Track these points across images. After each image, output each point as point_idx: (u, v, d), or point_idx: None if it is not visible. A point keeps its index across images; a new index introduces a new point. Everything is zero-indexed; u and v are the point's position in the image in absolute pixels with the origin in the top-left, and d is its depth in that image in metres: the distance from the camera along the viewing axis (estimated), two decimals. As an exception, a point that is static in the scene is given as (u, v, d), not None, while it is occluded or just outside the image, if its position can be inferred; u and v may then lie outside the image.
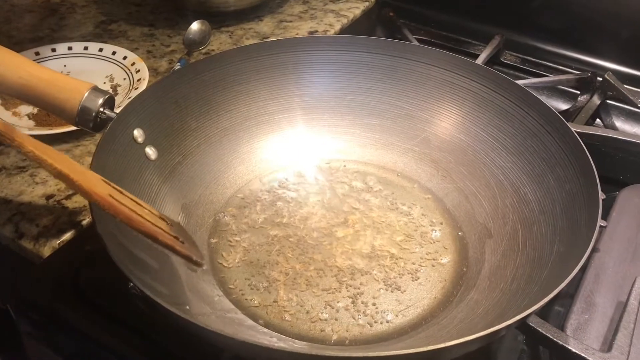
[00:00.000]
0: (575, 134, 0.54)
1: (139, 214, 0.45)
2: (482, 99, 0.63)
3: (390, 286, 0.54)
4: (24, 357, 0.58)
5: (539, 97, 0.59)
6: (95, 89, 0.55)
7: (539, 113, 0.58)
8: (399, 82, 0.66)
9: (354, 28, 0.94)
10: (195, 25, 0.86)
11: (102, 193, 0.44)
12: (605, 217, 0.60)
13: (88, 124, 0.55)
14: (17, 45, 0.84)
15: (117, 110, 0.55)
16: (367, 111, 0.67)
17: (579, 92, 0.82)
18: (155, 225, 0.46)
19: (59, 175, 0.44)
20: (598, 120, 0.80)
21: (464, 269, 0.56)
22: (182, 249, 0.46)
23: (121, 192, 0.48)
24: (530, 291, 0.48)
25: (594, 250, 0.55)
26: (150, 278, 0.48)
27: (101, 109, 0.54)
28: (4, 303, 0.58)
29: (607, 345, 0.50)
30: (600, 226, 0.50)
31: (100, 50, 0.81)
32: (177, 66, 0.80)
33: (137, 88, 0.73)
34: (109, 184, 0.47)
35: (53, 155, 0.45)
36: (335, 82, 0.67)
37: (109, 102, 0.55)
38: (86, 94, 0.54)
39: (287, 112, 0.66)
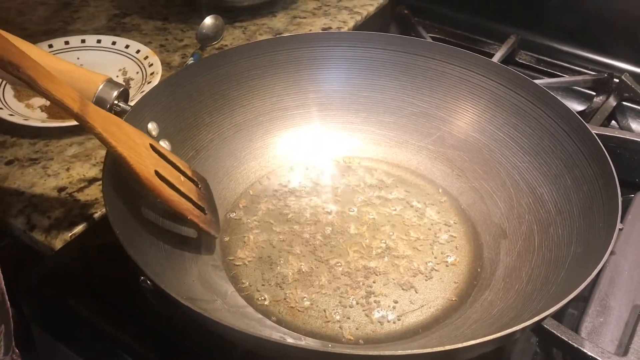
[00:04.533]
0: (595, 135, 0.53)
1: (177, 189, 0.51)
2: (498, 98, 0.62)
3: (404, 286, 0.54)
4: (34, 350, 0.58)
5: (554, 97, 0.59)
6: (110, 81, 0.55)
7: (557, 113, 0.58)
8: (414, 80, 0.66)
9: (368, 25, 0.93)
10: (208, 20, 0.85)
11: (148, 174, 0.49)
12: (620, 219, 0.59)
13: (102, 116, 0.54)
14: (30, 37, 0.83)
15: (132, 103, 0.55)
16: (381, 108, 0.67)
17: (594, 93, 0.81)
18: (187, 201, 0.52)
19: (119, 158, 0.48)
20: (613, 122, 0.79)
21: (478, 270, 0.55)
22: (205, 225, 0.53)
23: (165, 157, 0.52)
24: (547, 293, 0.47)
25: (610, 253, 0.55)
26: (164, 272, 0.47)
27: (116, 102, 0.54)
28: (14, 295, 0.58)
29: (623, 349, 0.50)
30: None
31: (114, 43, 0.81)
32: (190, 61, 0.80)
33: (150, 82, 0.73)
34: (155, 148, 0.52)
35: (117, 135, 0.48)
36: (350, 78, 0.67)
37: (124, 95, 0.55)
38: (101, 86, 0.54)
39: (301, 108, 0.66)
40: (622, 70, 0.82)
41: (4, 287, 0.52)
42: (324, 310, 0.51)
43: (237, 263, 0.55)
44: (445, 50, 0.65)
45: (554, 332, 0.48)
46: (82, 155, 0.65)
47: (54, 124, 0.67)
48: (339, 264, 0.55)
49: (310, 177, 0.64)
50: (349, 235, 0.58)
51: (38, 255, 0.58)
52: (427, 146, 0.65)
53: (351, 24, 0.91)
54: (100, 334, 0.52)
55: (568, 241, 0.51)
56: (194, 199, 0.53)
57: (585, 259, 0.47)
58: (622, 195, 0.49)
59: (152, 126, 0.56)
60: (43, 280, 0.56)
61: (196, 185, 0.55)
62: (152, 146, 0.52)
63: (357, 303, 0.52)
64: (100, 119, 0.47)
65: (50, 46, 0.79)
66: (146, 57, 0.78)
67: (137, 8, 0.93)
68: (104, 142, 0.47)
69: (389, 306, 0.52)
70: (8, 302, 0.52)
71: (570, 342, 0.48)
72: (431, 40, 0.81)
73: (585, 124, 0.55)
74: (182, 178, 0.53)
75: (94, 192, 0.61)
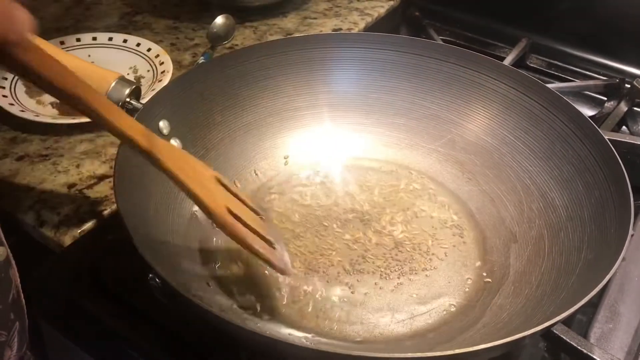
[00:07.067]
0: (607, 140, 0.53)
1: (248, 226, 0.47)
2: (510, 101, 0.62)
3: (412, 288, 0.53)
4: (43, 347, 0.58)
5: (565, 101, 0.59)
6: (122, 79, 0.55)
7: (569, 117, 0.57)
8: (425, 82, 0.66)
9: (378, 27, 0.93)
10: (219, 20, 0.85)
11: (222, 212, 0.46)
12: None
13: (114, 113, 0.54)
14: (42, 34, 0.82)
15: (143, 101, 0.55)
16: (392, 110, 0.66)
17: (605, 99, 0.81)
18: (260, 239, 0.48)
19: (188, 193, 0.46)
20: (624, 127, 0.79)
21: (488, 273, 0.55)
22: (277, 262, 0.47)
23: (235, 195, 0.49)
24: (557, 298, 0.47)
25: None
26: (173, 270, 0.47)
27: (127, 99, 0.54)
28: (23, 292, 0.58)
29: (633, 356, 0.49)
30: (629, 235, 0.50)
31: (125, 41, 0.81)
32: (201, 60, 0.80)
33: (160, 80, 0.73)
34: (220, 181, 0.49)
35: (186, 170, 0.46)
36: (361, 79, 0.67)
37: (135, 93, 0.55)
38: (113, 84, 0.54)
39: (312, 109, 0.66)
40: (634, 76, 0.82)
41: (20, 284, 0.52)
42: (332, 312, 0.51)
43: (247, 263, 0.55)
44: (457, 52, 0.65)
45: (563, 337, 0.48)
46: (92, 152, 0.65)
47: (64, 121, 0.67)
48: (350, 265, 0.55)
49: (321, 178, 0.64)
50: (357, 237, 0.58)
51: (46, 251, 0.58)
52: (437, 149, 0.65)
53: (362, 25, 0.91)
54: (108, 331, 0.52)
55: (579, 246, 0.51)
56: (263, 233, 0.48)
57: (596, 264, 0.47)
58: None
59: (163, 124, 0.56)
60: (51, 276, 0.56)
61: (260, 217, 0.51)
62: (217, 179, 0.49)
63: (366, 305, 0.52)
64: (167, 153, 0.45)
65: (62, 43, 0.79)
66: (157, 56, 0.78)
67: (149, 7, 0.93)
68: (175, 179, 0.45)
69: (397, 308, 0.52)
70: (23, 300, 0.53)
71: (579, 347, 0.48)
72: (442, 43, 0.81)
73: (598, 129, 0.55)
74: (250, 212, 0.49)
75: (103, 189, 0.61)
